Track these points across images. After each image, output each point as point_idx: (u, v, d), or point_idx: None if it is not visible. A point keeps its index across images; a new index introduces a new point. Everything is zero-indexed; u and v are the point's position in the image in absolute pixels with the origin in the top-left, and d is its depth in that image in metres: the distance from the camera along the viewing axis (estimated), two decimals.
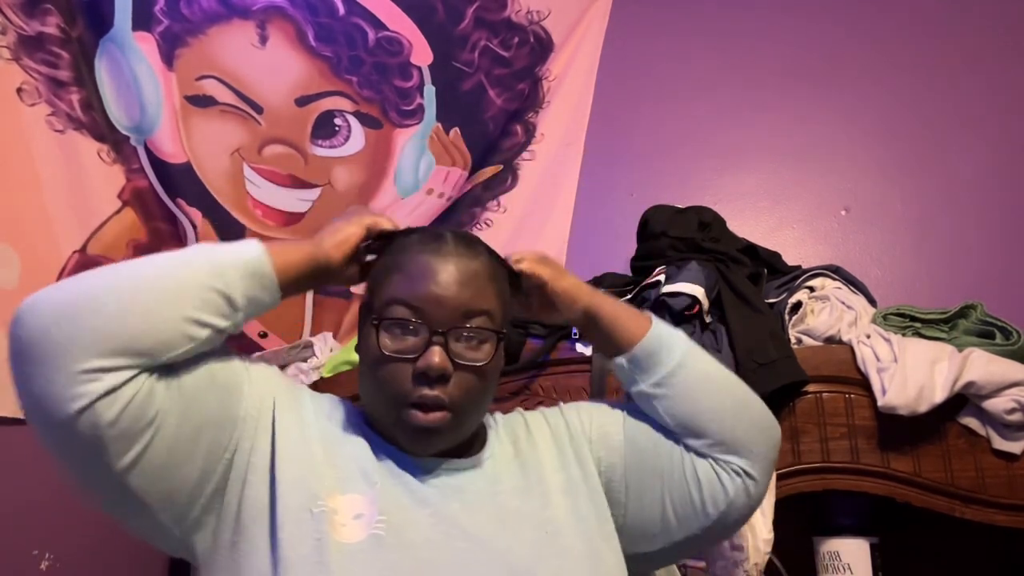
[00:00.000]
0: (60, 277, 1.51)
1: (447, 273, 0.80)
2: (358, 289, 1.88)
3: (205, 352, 0.76)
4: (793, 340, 1.35)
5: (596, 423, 0.93)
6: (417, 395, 0.78)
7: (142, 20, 1.64)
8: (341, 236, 0.85)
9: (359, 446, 0.82)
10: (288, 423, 0.80)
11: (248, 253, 0.77)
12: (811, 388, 1.29)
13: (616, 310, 0.93)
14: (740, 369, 1.26)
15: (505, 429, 0.92)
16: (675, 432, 0.90)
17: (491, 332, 0.81)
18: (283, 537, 0.72)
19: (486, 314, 0.81)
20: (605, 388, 1.31)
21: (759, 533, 1.15)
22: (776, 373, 1.25)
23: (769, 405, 1.26)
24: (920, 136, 1.88)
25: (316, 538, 0.72)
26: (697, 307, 1.32)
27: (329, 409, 0.86)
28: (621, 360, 0.92)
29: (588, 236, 1.95)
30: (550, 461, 0.89)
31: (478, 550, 0.78)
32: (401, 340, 0.79)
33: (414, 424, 0.78)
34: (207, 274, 0.74)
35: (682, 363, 0.90)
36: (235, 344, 1.89)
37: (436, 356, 0.77)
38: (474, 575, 0.76)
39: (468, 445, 0.87)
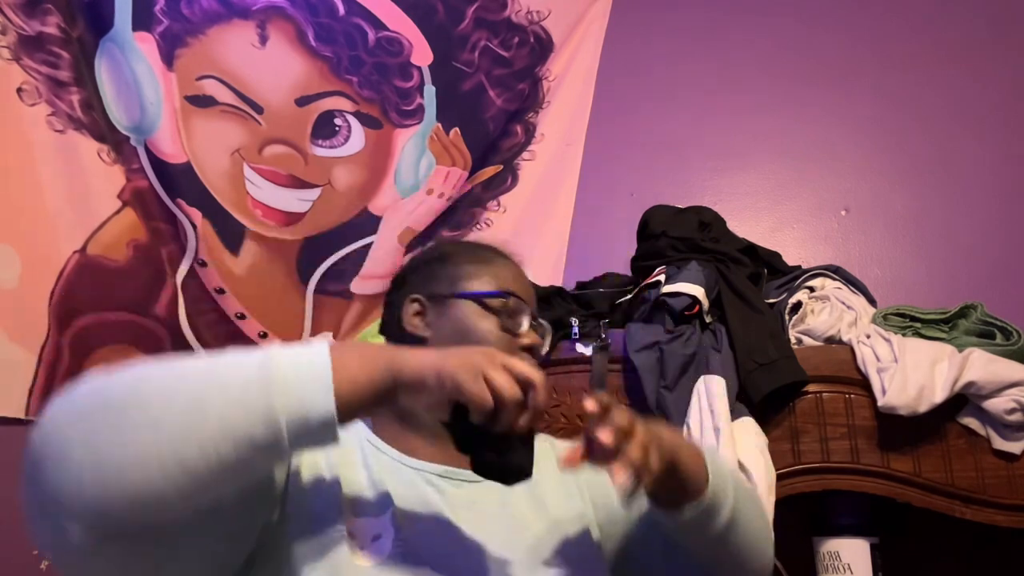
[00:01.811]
0: (60, 277, 1.51)
1: (527, 278, 0.97)
2: (360, 290, 1.88)
3: None
4: (793, 340, 1.35)
5: (613, 495, 0.89)
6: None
7: (142, 20, 1.64)
8: (465, 372, 0.66)
9: (370, 465, 0.81)
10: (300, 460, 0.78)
11: (312, 401, 0.61)
12: (811, 388, 1.29)
13: (685, 451, 0.78)
14: (740, 369, 1.26)
15: None
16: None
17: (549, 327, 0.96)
18: (303, 568, 0.71)
19: None
20: (605, 388, 1.31)
21: None
22: (776, 373, 1.26)
23: (769, 405, 1.27)
24: (920, 136, 1.88)
25: (335, 563, 0.72)
26: (697, 307, 1.33)
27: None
28: (689, 511, 0.77)
29: (588, 236, 1.95)
30: (553, 488, 0.91)
31: (492, 563, 0.78)
32: (507, 321, 0.89)
33: None
34: (245, 445, 0.59)
35: (733, 517, 0.80)
36: (235, 344, 1.89)
37: (538, 337, 0.92)
38: None
39: None
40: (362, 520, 0.76)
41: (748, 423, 1.25)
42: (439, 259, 0.95)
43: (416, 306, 0.92)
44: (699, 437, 1.22)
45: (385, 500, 0.78)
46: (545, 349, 0.93)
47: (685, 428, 1.24)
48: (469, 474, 0.83)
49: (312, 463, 0.78)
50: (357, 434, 0.85)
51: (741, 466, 1.19)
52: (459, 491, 0.83)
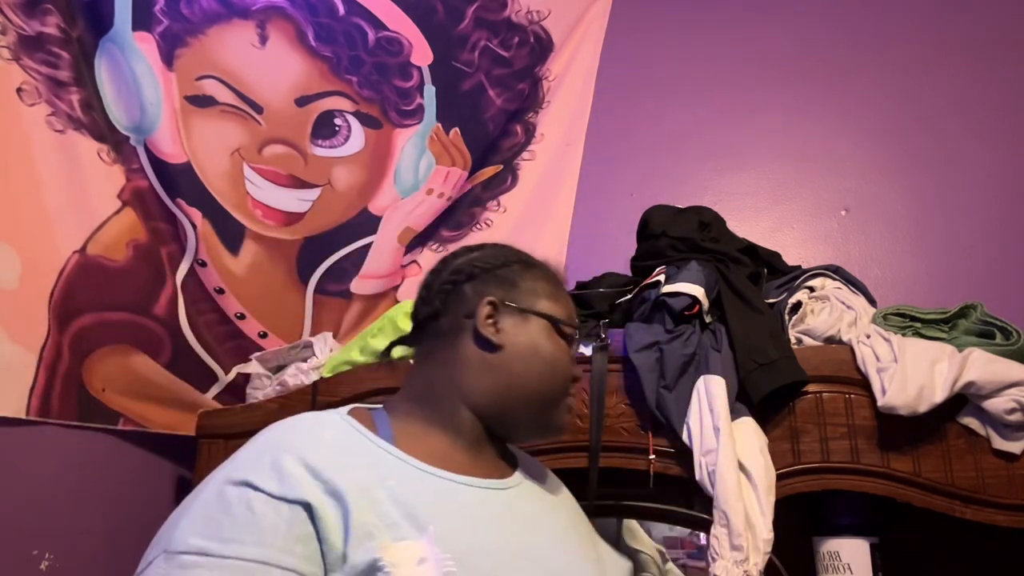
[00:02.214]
0: (60, 277, 1.51)
1: None
2: (360, 290, 1.88)
3: None
4: (793, 340, 1.35)
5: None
6: (571, 390, 0.94)
7: (142, 20, 1.64)
8: None
9: (393, 485, 0.76)
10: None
11: None
12: (811, 388, 1.29)
13: None
14: (740, 369, 1.26)
15: (524, 462, 0.95)
16: None
17: None
18: None
19: None
20: (605, 388, 1.31)
21: (759, 533, 1.15)
22: (776, 373, 1.25)
23: (769, 405, 1.27)
24: (920, 136, 1.88)
25: None
26: (697, 307, 1.33)
27: (341, 452, 0.77)
28: None
29: (588, 236, 1.95)
30: (566, 512, 0.93)
31: (542, 570, 0.78)
32: (573, 349, 0.95)
33: (568, 405, 0.93)
34: None
35: None
36: (235, 344, 1.88)
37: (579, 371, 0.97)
38: None
39: (506, 466, 0.90)
40: (400, 545, 0.71)
41: (748, 423, 1.25)
42: (509, 266, 0.93)
43: (490, 308, 0.90)
44: (699, 437, 1.22)
45: (420, 523, 0.74)
46: None
47: (685, 428, 1.24)
48: (501, 482, 0.84)
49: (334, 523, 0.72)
50: (370, 452, 0.79)
51: (741, 466, 1.19)
52: (496, 498, 0.82)
